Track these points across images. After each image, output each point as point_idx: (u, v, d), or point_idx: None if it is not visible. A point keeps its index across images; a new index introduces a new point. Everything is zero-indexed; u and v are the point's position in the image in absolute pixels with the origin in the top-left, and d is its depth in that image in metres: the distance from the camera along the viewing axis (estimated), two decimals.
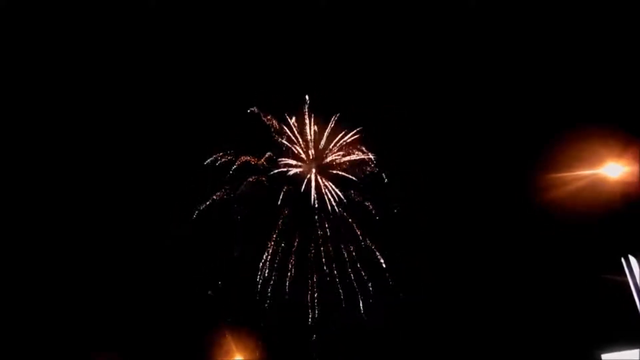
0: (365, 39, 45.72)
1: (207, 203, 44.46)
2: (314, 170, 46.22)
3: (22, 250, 41.52)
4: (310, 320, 43.82)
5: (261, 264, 44.16)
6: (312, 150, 47.05)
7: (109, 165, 44.16)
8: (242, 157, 45.26)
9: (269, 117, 45.98)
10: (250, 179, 45.20)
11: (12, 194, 42.28)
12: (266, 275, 44.08)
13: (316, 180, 46.09)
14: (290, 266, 44.42)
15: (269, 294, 43.86)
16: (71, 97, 44.97)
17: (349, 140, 46.79)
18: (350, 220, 46.16)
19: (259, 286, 43.94)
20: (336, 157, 47.21)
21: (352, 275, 44.94)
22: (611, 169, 38.85)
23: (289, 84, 45.33)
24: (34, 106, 44.40)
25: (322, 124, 46.72)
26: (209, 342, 41.97)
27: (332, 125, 46.96)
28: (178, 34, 45.78)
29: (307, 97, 46.52)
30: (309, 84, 45.50)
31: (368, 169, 46.47)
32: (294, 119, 46.49)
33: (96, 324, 40.74)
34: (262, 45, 46.12)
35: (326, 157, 47.08)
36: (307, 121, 46.61)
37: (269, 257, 44.23)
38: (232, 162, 45.37)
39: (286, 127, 46.62)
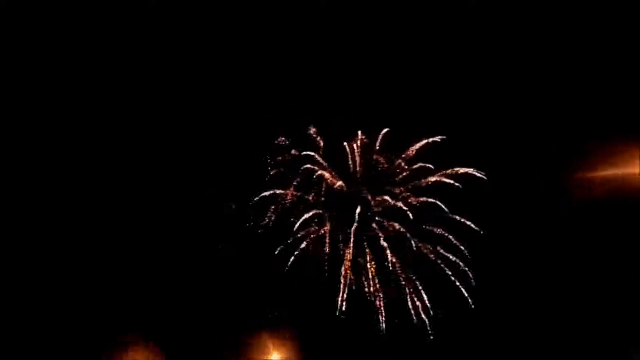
0: (365, 39, 44.70)
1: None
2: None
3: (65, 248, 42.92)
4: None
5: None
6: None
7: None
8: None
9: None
10: None
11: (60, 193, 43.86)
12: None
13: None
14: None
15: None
16: (71, 98, 44.70)
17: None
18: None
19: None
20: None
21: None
22: None
23: (288, 85, 44.20)
24: (34, 107, 44.26)
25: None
26: (246, 340, 42.73)
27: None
28: (178, 35, 45.15)
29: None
30: (308, 86, 44.11)
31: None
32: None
33: (142, 320, 42.13)
34: (261, 44, 45.23)
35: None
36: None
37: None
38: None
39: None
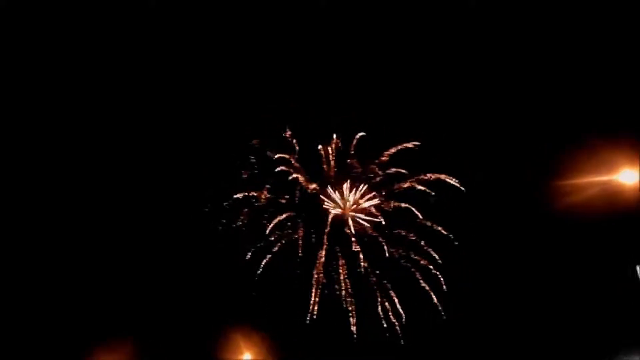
0: (364, 39, 44.08)
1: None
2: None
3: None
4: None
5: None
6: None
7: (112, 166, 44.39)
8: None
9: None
10: None
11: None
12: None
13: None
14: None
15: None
16: (70, 98, 44.83)
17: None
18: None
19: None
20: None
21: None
22: (627, 176, 38.34)
23: (288, 86, 43.79)
24: (33, 107, 44.30)
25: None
26: (218, 340, 42.67)
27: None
28: (178, 35, 44.97)
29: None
30: (309, 86, 43.67)
31: None
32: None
33: (115, 316, 42.44)
34: (261, 45, 44.81)
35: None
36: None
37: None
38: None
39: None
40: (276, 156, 43.35)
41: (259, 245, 42.44)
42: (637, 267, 36.47)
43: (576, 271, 41.95)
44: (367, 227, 42.88)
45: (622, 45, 40.39)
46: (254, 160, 43.55)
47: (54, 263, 43.21)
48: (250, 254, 42.49)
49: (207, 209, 43.42)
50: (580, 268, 41.98)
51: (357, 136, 43.54)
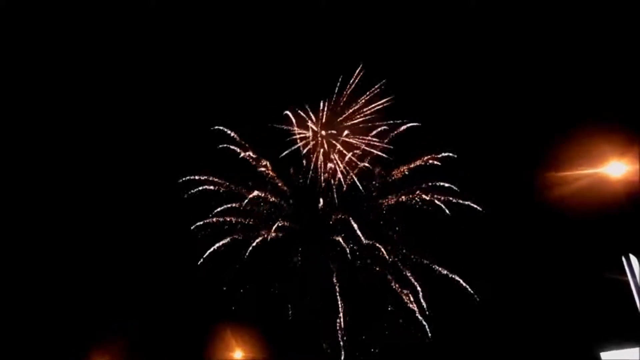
0: (365, 39, 44.80)
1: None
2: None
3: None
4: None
5: None
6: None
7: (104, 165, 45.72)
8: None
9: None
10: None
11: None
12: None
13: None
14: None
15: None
16: (70, 98, 46.00)
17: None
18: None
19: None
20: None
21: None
22: (614, 168, 38.09)
23: (288, 85, 44.36)
24: (32, 107, 45.57)
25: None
26: (210, 337, 43.40)
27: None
28: (178, 35, 45.88)
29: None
30: (309, 85, 44.23)
31: None
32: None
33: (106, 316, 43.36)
34: (262, 45, 45.72)
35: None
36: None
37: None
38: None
39: None
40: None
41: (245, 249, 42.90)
42: (623, 258, 36.22)
43: (563, 263, 41.88)
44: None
45: (610, 39, 40.20)
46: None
47: (45, 262, 44.40)
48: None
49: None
50: (567, 260, 42.03)
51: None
